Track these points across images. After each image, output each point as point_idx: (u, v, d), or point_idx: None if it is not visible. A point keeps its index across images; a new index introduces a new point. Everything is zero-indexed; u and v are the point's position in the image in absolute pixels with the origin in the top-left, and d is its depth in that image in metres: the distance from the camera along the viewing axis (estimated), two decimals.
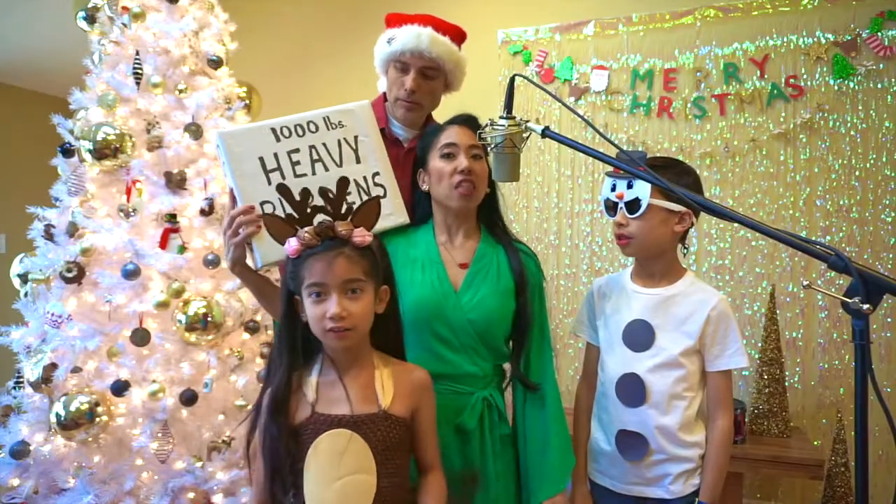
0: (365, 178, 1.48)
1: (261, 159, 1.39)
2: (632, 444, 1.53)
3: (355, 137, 1.48)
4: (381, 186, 1.50)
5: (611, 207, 1.58)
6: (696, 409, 1.55)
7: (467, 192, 1.48)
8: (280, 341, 1.29)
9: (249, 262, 1.41)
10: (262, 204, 1.37)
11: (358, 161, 1.47)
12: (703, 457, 1.54)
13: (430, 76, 1.73)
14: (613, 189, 1.56)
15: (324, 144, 1.44)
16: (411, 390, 1.29)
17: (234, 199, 1.39)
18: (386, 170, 1.51)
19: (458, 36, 1.78)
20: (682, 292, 1.55)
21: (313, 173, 1.43)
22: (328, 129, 1.46)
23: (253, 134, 1.41)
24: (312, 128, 1.44)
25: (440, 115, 1.65)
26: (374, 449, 1.20)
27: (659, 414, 1.51)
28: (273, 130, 1.41)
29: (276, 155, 1.40)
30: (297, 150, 1.42)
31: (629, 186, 1.52)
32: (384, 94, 1.84)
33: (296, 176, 1.41)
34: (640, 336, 1.55)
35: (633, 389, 1.53)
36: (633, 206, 1.51)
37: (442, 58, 1.71)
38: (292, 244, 1.25)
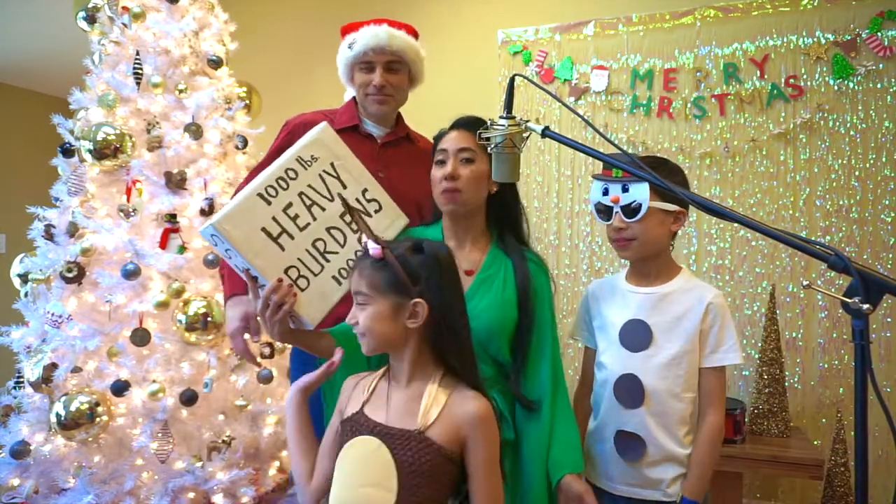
0: (358, 199, 1.50)
1: (264, 230, 1.37)
2: (630, 445, 1.52)
3: (332, 164, 1.49)
4: (375, 201, 1.53)
5: (603, 211, 1.56)
6: (694, 410, 1.53)
7: (450, 198, 1.49)
8: None
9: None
10: (285, 272, 1.37)
11: (344, 186, 1.49)
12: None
13: (395, 69, 1.81)
14: (606, 193, 1.54)
15: (310, 186, 1.44)
16: (458, 421, 1.18)
17: (252, 279, 1.38)
18: (370, 182, 1.54)
19: (412, 32, 1.86)
20: (678, 290, 1.54)
21: (314, 219, 1.44)
22: (305, 168, 1.45)
23: (246, 210, 1.37)
24: (292, 174, 1.43)
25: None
26: (401, 467, 1.14)
27: (657, 415, 1.50)
28: (261, 196, 1.38)
29: (274, 219, 1.39)
30: (290, 205, 1.42)
31: (624, 190, 1.50)
32: (354, 98, 1.91)
33: (301, 229, 1.42)
34: (637, 336, 1.54)
35: (631, 390, 1.52)
36: (631, 209, 1.50)
37: (403, 50, 1.79)
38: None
